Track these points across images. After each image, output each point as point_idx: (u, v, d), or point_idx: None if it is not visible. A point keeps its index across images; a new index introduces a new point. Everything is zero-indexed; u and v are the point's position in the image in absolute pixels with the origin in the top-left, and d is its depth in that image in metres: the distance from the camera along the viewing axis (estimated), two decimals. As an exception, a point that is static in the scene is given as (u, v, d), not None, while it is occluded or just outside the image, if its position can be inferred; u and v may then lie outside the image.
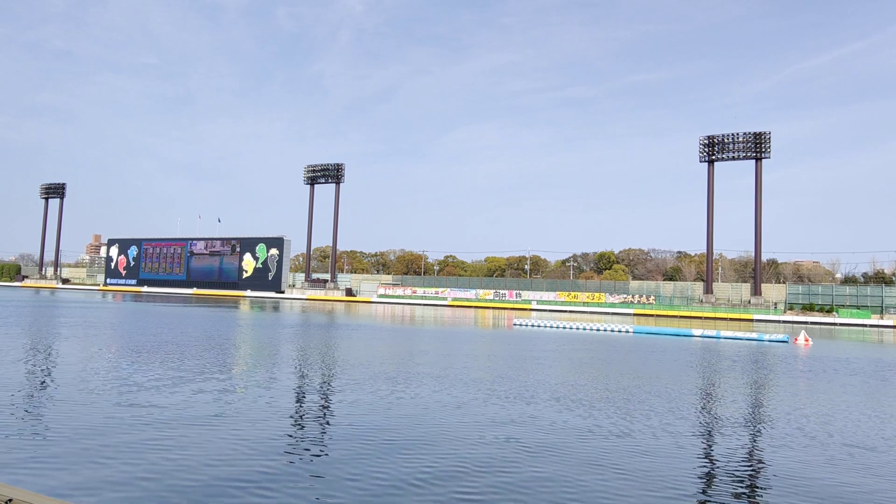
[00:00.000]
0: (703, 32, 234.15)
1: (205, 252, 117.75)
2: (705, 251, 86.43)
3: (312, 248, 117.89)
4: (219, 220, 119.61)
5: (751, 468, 8.67)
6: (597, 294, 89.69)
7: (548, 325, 44.45)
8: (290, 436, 9.39)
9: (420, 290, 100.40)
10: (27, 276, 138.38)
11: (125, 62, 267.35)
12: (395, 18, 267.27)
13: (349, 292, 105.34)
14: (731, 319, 71.69)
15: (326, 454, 8.43)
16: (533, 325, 44.28)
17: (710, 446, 9.90)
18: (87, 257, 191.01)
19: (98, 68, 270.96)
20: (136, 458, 7.81)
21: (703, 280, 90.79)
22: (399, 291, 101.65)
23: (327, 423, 10.47)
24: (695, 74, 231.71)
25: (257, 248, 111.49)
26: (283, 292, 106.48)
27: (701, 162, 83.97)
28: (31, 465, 7.41)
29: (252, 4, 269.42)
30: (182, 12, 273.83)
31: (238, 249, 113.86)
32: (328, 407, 11.84)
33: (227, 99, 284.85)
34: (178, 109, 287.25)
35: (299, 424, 10.23)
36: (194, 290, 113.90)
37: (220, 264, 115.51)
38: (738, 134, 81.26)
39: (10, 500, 2.12)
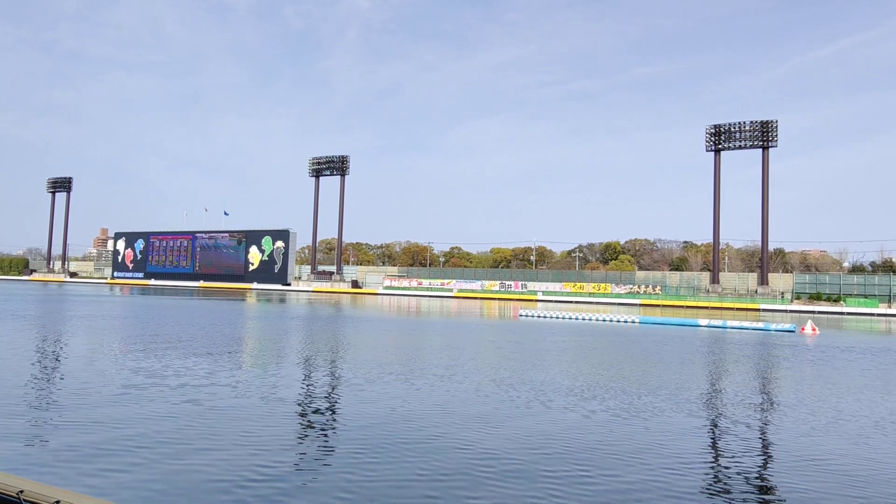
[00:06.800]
0: (707, 26, 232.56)
1: (211, 245, 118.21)
2: (712, 241, 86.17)
3: (318, 240, 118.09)
4: (225, 213, 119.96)
5: (756, 465, 8.67)
6: (603, 284, 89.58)
7: (554, 315, 44.47)
8: (297, 431, 9.45)
9: (426, 282, 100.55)
10: (35, 270, 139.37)
11: (135, 60, 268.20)
12: (401, 15, 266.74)
13: (355, 284, 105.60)
14: (738, 309, 71.49)
15: (334, 449, 8.48)
16: (539, 316, 44.30)
17: (715, 438, 9.90)
18: (95, 251, 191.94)
19: (108, 67, 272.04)
20: (145, 452, 7.87)
21: (709, 270, 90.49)
22: (405, 283, 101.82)
23: (335, 418, 10.53)
24: (699, 67, 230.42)
25: (263, 240, 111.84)
26: (289, 284, 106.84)
27: (707, 151, 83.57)
28: (42, 457, 7.48)
29: (260, 3, 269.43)
30: (192, 11, 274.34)
31: (244, 242, 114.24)
32: (337, 401, 11.90)
33: (235, 96, 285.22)
34: (186, 106, 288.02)
35: (306, 419, 10.29)
36: (201, 283, 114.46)
37: (227, 257, 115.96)
38: (744, 122, 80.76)
39: (22, 492, 2.14)
